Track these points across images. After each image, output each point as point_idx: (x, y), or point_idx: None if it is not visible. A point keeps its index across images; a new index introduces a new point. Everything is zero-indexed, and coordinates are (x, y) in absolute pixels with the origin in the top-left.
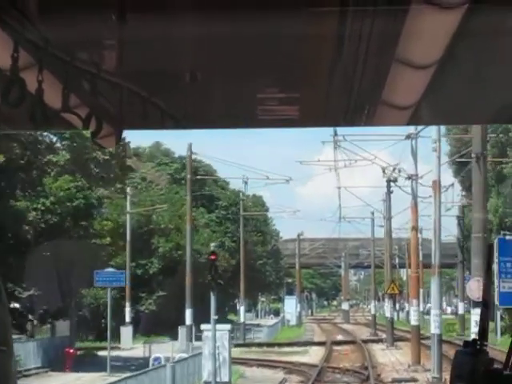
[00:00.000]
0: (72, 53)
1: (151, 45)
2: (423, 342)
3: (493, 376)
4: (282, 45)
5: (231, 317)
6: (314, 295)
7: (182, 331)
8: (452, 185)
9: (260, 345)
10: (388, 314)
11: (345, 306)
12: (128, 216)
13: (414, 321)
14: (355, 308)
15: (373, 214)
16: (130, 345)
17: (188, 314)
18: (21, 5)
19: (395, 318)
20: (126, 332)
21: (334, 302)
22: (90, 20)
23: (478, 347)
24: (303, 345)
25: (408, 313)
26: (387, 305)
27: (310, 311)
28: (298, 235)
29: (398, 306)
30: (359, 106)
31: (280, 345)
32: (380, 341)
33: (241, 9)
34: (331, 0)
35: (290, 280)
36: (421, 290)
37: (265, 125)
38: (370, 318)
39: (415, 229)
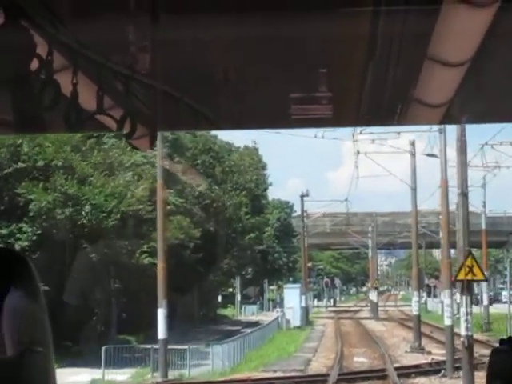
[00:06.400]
0: (106, 55)
1: (184, 46)
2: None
3: None
4: (314, 45)
5: (228, 311)
6: (338, 281)
7: None
8: None
9: None
10: (460, 328)
11: (372, 295)
12: None
13: None
14: (386, 295)
15: (413, 144)
16: None
17: None
18: (54, 7)
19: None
20: None
21: (364, 289)
22: (123, 22)
23: None
24: None
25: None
26: (447, 300)
27: (332, 301)
28: (302, 196)
29: (429, 293)
30: (392, 104)
31: None
32: (436, 371)
33: (274, 10)
34: (364, 0)
35: (309, 264)
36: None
37: (298, 125)
38: (403, 309)
39: None
